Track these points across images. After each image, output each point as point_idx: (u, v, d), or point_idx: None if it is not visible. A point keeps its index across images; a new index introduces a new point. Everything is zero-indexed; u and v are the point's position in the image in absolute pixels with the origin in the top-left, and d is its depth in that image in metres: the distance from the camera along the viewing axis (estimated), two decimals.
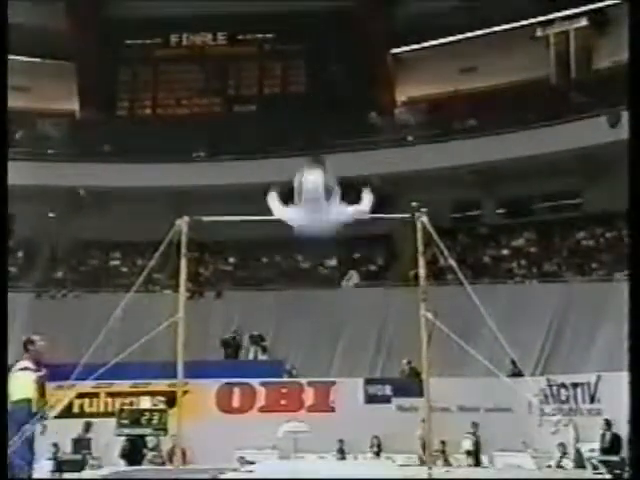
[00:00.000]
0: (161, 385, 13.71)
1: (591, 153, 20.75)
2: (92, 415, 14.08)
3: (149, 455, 13.48)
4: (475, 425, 13.57)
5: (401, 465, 11.99)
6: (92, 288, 21.50)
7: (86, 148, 24.42)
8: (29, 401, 8.09)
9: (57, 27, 24.94)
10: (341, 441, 13.68)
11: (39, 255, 23.81)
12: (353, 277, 21.87)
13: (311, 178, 7.50)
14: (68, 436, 13.52)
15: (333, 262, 22.78)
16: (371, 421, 13.95)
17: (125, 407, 13.88)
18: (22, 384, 8.15)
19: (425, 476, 8.41)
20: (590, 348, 17.23)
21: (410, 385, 13.65)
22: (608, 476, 9.78)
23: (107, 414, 13.97)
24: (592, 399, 12.55)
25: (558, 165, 21.29)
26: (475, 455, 13.42)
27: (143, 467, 12.80)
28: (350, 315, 19.80)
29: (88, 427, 13.76)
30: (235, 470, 10.17)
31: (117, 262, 23.70)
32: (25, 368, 8.29)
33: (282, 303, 20.15)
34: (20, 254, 23.75)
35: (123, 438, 13.22)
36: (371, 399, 14.40)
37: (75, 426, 13.75)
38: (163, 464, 13.15)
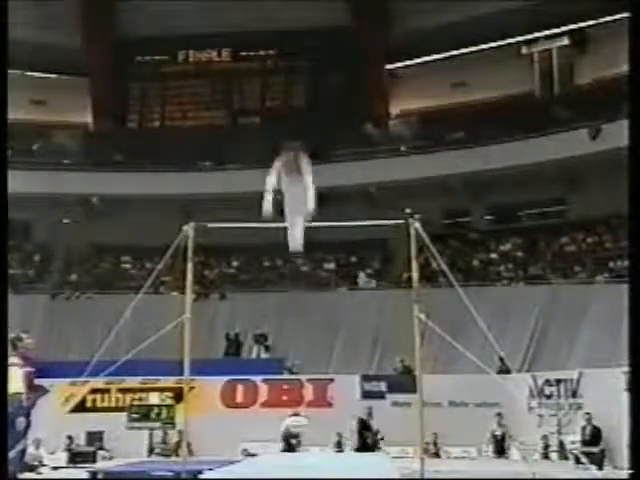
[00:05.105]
0: (169, 382, 13.68)
1: (573, 163, 20.79)
2: (104, 410, 14.03)
3: (157, 448, 13.49)
4: (499, 415, 13.29)
5: (394, 457, 11.91)
6: (104, 290, 21.48)
7: (99, 158, 24.42)
8: (20, 395, 8.06)
9: (72, 45, 25.00)
10: (339, 434, 13.65)
11: (54, 259, 23.81)
12: (361, 277, 21.92)
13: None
14: (82, 429, 13.51)
15: (331, 266, 22.79)
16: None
17: (135, 402, 13.86)
18: (12, 379, 8.10)
19: (417, 467, 8.39)
20: (573, 346, 17.24)
21: (404, 382, 13.61)
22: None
23: (118, 409, 13.93)
24: (574, 394, 12.53)
25: (542, 175, 21.33)
26: (501, 444, 13.13)
27: (151, 459, 12.80)
28: (347, 315, 19.81)
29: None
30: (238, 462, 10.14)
31: (127, 265, 23.66)
32: (13, 364, 8.26)
33: (283, 304, 20.14)
34: (37, 258, 23.78)
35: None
36: (367, 395, 14.34)
37: (88, 420, 13.73)
38: (170, 456, 13.14)
